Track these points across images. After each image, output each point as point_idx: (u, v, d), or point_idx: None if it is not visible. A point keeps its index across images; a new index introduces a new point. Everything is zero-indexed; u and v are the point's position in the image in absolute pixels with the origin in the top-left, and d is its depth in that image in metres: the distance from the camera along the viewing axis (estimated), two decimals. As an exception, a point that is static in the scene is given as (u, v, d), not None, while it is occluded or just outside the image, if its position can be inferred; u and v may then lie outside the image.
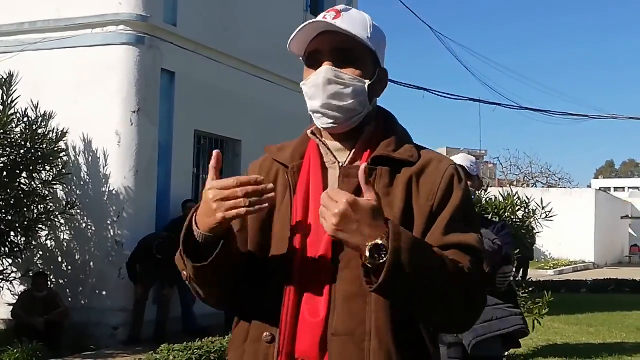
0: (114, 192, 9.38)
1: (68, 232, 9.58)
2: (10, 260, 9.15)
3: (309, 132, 1.99)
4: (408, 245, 1.64)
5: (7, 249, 8.86)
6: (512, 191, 8.29)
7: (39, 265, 9.61)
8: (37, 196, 8.91)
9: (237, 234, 1.92)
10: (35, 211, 8.95)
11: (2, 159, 8.53)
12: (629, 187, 65.09)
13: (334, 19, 1.87)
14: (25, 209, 8.78)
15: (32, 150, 8.67)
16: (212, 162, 1.75)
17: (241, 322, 1.93)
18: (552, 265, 27.27)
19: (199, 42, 10.52)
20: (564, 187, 39.03)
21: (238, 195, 1.68)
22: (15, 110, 8.56)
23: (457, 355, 4.24)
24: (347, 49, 1.87)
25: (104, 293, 9.32)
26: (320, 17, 1.90)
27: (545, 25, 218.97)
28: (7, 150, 8.58)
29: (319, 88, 1.87)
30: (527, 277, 14.35)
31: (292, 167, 1.93)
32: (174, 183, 10.15)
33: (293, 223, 1.87)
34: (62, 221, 9.41)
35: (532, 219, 8.39)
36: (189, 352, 7.27)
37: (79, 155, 9.55)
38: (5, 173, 8.52)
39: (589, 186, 57.14)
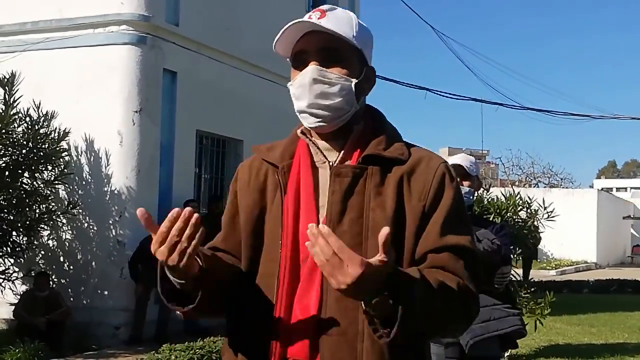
0: (115, 191, 9.39)
1: (70, 232, 9.58)
2: (12, 260, 9.16)
3: (298, 131, 1.98)
4: (417, 301, 1.63)
5: (9, 248, 8.87)
6: (514, 191, 8.28)
7: (41, 264, 9.62)
8: (39, 196, 8.92)
9: (227, 240, 1.97)
10: (37, 211, 8.95)
11: (4, 159, 8.54)
12: (631, 188, 65.01)
13: (319, 18, 1.86)
14: (27, 209, 8.78)
15: (34, 150, 8.67)
16: (143, 223, 1.70)
17: (234, 324, 1.94)
18: (554, 265, 27.24)
19: (201, 42, 10.52)
20: (566, 188, 38.99)
21: (175, 239, 1.66)
22: (18, 110, 8.56)
23: (454, 355, 4.23)
24: (332, 48, 1.86)
25: (106, 293, 9.33)
26: (305, 17, 1.89)
27: (545, 24, 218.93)
28: (9, 150, 8.59)
29: (305, 88, 1.87)
30: (530, 278, 14.34)
31: (282, 167, 1.92)
32: (175, 183, 10.15)
33: (284, 223, 1.86)
34: (64, 221, 9.41)
35: (534, 219, 8.39)
36: (191, 352, 7.26)
37: (81, 155, 9.56)
38: (7, 173, 8.52)
39: (591, 186, 57.07)
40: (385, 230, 1.54)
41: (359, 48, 1.89)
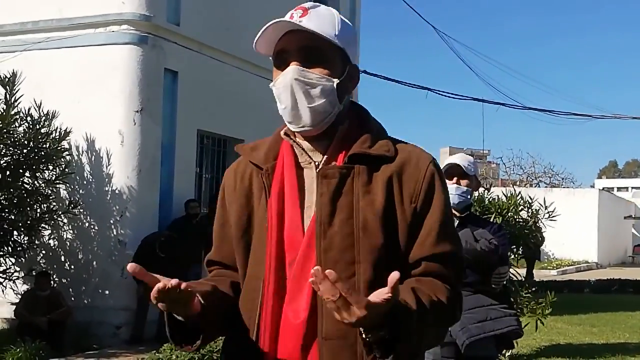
0: (116, 191, 9.39)
1: (71, 232, 9.58)
2: (13, 260, 9.17)
3: (281, 133, 1.96)
4: (414, 333, 1.66)
5: (10, 248, 8.87)
6: (515, 191, 8.27)
7: (42, 264, 9.62)
8: (40, 195, 8.92)
9: (221, 249, 2.00)
10: (38, 210, 8.96)
11: (5, 158, 8.54)
12: (632, 187, 65.01)
13: (301, 17, 1.84)
14: (28, 208, 8.79)
15: (35, 150, 8.68)
16: (135, 276, 1.68)
17: (231, 329, 1.94)
18: (555, 265, 27.24)
19: (202, 41, 10.52)
20: (567, 187, 38.98)
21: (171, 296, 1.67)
22: (19, 110, 8.56)
23: (450, 354, 4.23)
24: (314, 47, 1.83)
25: (107, 292, 9.33)
26: (287, 16, 1.87)
27: (545, 24, 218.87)
28: (10, 150, 8.59)
29: (287, 88, 1.84)
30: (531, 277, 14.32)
31: (266, 169, 1.91)
32: (176, 182, 10.15)
33: (269, 226, 1.86)
34: (65, 220, 9.42)
35: (536, 219, 8.38)
36: (192, 352, 7.27)
37: (82, 155, 9.56)
38: (8, 172, 8.53)
39: (592, 186, 57.02)
40: (395, 275, 1.53)
41: (341, 47, 1.86)
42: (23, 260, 9.25)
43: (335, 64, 1.87)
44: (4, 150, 8.52)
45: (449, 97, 31.99)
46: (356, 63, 1.96)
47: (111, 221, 9.44)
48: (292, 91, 1.83)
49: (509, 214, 7.85)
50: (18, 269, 9.30)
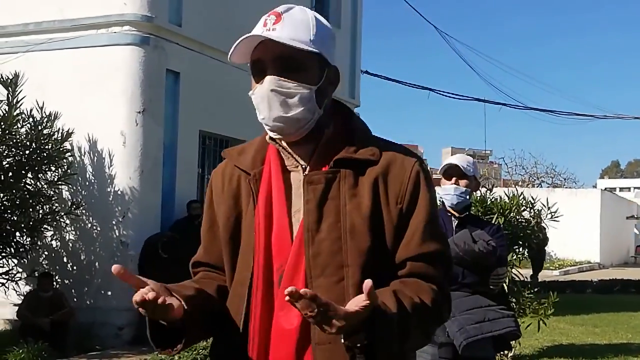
0: (119, 192, 9.39)
1: (73, 233, 9.59)
2: (15, 261, 9.18)
3: (267, 137, 1.95)
4: (394, 338, 1.67)
5: (12, 249, 8.88)
6: (517, 191, 8.26)
7: (45, 265, 9.63)
8: (43, 196, 8.92)
9: (209, 252, 2.00)
10: (41, 211, 8.96)
11: (7, 160, 8.55)
12: (634, 187, 64.96)
13: (274, 23, 1.82)
14: (30, 209, 8.79)
15: (38, 151, 8.68)
16: (119, 278, 1.69)
17: (218, 334, 1.95)
18: (557, 265, 27.20)
19: (203, 42, 10.52)
20: (570, 188, 38.90)
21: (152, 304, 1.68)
22: (21, 111, 8.57)
23: (447, 355, 4.23)
24: (289, 57, 1.81)
25: (109, 293, 9.33)
26: (261, 22, 1.85)
27: (546, 23, 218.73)
28: (13, 151, 8.60)
29: (264, 99, 1.83)
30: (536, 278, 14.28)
31: (254, 174, 1.91)
32: (178, 183, 10.16)
33: (256, 231, 1.86)
34: (68, 221, 9.43)
35: (540, 219, 8.37)
36: (194, 353, 7.27)
37: (84, 156, 9.57)
38: (10, 173, 8.54)
39: (595, 186, 56.98)
40: (369, 282, 1.56)
41: (317, 52, 1.84)
42: (25, 261, 9.26)
43: (312, 70, 1.85)
44: (6, 152, 8.53)
45: (450, 97, 32.00)
46: (335, 64, 1.93)
47: (113, 222, 9.45)
48: (269, 102, 1.82)
49: (511, 215, 7.84)
50: (20, 270, 9.31)
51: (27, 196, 8.75)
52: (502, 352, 7.03)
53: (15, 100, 8.46)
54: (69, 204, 9.20)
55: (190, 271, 2.10)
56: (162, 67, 9.81)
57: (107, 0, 9.66)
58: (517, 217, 8.00)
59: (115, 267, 1.63)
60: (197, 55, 10.43)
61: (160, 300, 1.65)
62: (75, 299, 9.37)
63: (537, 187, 37.87)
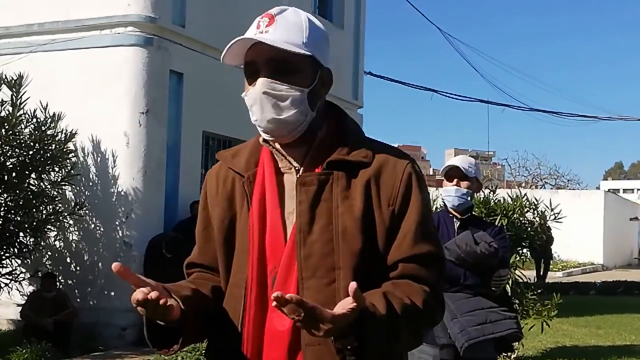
0: (122, 193, 9.41)
1: (77, 233, 9.60)
2: (19, 261, 9.19)
3: (260, 139, 1.97)
4: (383, 340, 1.68)
5: (16, 249, 8.90)
6: (520, 193, 8.25)
7: (48, 265, 9.64)
8: (46, 197, 8.94)
9: (204, 253, 2.01)
10: (44, 212, 8.97)
11: (11, 160, 8.57)
12: (638, 189, 64.88)
13: (267, 25, 1.83)
14: (34, 210, 8.81)
15: (41, 151, 8.70)
16: (119, 276, 1.69)
17: (213, 335, 1.96)
18: (560, 267, 27.16)
19: (207, 43, 10.53)
20: (573, 189, 38.88)
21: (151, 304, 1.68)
22: (24, 112, 8.59)
23: (449, 357, 4.23)
24: (281, 59, 1.82)
25: (113, 294, 9.34)
26: (254, 24, 1.86)
27: (548, 24, 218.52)
28: (16, 151, 8.62)
29: (257, 101, 1.85)
30: (539, 279, 14.24)
31: (248, 176, 1.92)
32: (182, 184, 10.17)
33: (250, 234, 1.87)
34: (71, 222, 9.44)
35: (544, 220, 8.37)
36: (197, 353, 7.28)
37: (87, 156, 9.58)
38: (14, 174, 8.55)
39: (598, 188, 56.94)
40: (353, 285, 1.57)
41: (310, 55, 1.85)
42: (29, 261, 9.27)
43: (305, 72, 1.86)
44: (10, 152, 8.55)
45: (454, 98, 31.94)
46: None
47: (117, 222, 9.46)
48: (261, 104, 1.85)
49: (515, 216, 7.83)
50: (24, 270, 9.32)
51: (31, 196, 8.76)
52: (503, 354, 7.03)
53: (19, 101, 8.47)
54: (73, 204, 9.22)
55: (184, 272, 2.10)
56: (166, 68, 9.83)
57: (110, 1, 9.68)
58: (521, 219, 7.99)
59: (115, 265, 1.64)
60: (200, 56, 10.45)
61: (162, 302, 1.66)
62: (78, 300, 9.39)
63: (541, 188, 37.86)
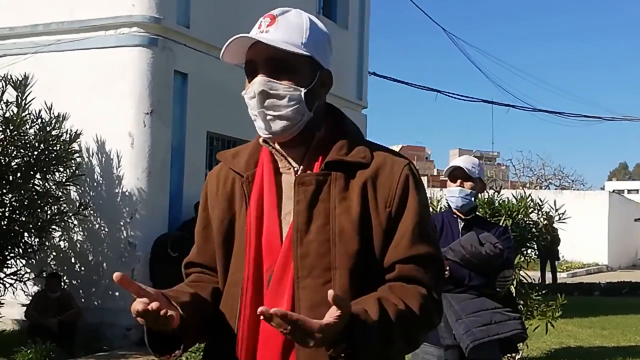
0: (127, 193, 9.42)
1: (81, 233, 9.62)
2: (23, 261, 9.20)
3: (260, 140, 1.98)
4: (374, 345, 1.68)
5: (20, 249, 8.91)
6: (525, 193, 8.24)
7: (53, 266, 9.66)
8: (51, 197, 8.95)
9: (202, 252, 2.02)
10: (49, 212, 8.99)
11: (16, 160, 8.58)
12: (642, 190, 64.67)
13: (268, 25, 1.86)
14: (39, 210, 8.82)
15: (46, 152, 8.71)
16: (120, 285, 1.70)
17: (211, 336, 1.96)
18: (565, 267, 27.11)
19: (211, 43, 10.52)
20: (577, 190, 38.79)
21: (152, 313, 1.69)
22: (29, 112, 8.61)
23: (454, 358, 4.23)
24: (280, 59, 1.85)
25: (117, 294, 9.34)
26: (257, 24, 1.89)
27: (552, 24, 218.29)
28: (21, 152, 8.64)
29: (255, 99, 1.87)
30: (543, 280, 14.20)
31: (247, 176, 1.94)
32: (186, 184, 10.17)
33: (247, 233, 1.88)
34: (76, 222, 9.45)
35: (550, 220, 8.36)
36: (201, 354, 7.25)
37: (92, 157, 9.60)
38: (19, 174, 8.57)
39: (603, 188, 56.78)
40: (330, 293, 1.56)
41: (309, 55, 1.87)
42: (33, 261, 9.29)
43: (303, 72, 1.88)
44: (15, 152, 8.57)
45: (458, 99, 31.90)
46: (329, 67, 1.95)
47: (121, 223, 9.47)
48: (259, 102, 1.86)
49: (519, 217, 7.82)
50: (29, 270, 9.33)
51: (36, 197, 8.78)
52: (508, 355, 7.02)
53: (24, 102, 8.49)
54: (77, 204, 9.23)
55: (183, 272, 2.11)
56: (170, 69, 9.84)
57: (115, 1, 9.69)
58: (525, 219, 7.98)
59: (116, 275, 1.65)
60: (205, 57, 10.45)
61: (162, 313, 1.67)
62: (83, 300, 9.40)
63: (545, 189, 37.76)
